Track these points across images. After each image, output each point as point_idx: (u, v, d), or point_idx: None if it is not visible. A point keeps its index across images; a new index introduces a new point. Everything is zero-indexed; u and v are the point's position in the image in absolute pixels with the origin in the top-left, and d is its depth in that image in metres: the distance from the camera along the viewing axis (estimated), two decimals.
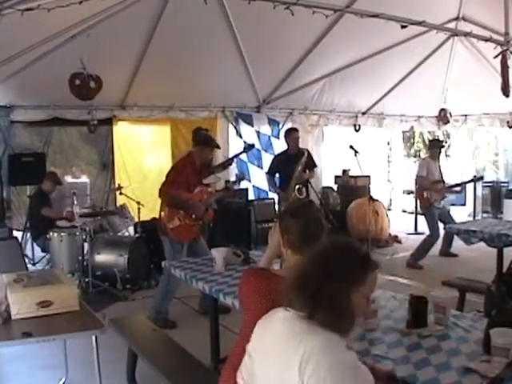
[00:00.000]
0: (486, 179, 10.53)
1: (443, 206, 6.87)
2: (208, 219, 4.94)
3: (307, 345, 1.41)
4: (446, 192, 6.84)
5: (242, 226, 7.37)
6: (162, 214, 4.68)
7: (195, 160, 4.68)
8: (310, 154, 6.37)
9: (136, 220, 6.77)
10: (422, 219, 9.66)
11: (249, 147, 6.19)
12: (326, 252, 1.61)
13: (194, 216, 4.63)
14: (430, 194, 6.64)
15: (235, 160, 8.16)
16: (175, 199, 4.55)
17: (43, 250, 6.19)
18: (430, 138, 7.12)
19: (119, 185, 6.96)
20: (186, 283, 3.36)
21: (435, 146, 6.98)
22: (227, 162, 5.79)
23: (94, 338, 2.57)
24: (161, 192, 4.55)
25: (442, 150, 7.07)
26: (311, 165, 6.39)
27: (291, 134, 6.48)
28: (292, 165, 6.10)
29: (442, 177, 6.89)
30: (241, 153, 6.17)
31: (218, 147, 5.06)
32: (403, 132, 11.58)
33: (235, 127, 8.32)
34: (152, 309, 4.66)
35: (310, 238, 2.00)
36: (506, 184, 10.06)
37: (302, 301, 1.51)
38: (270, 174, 6.61)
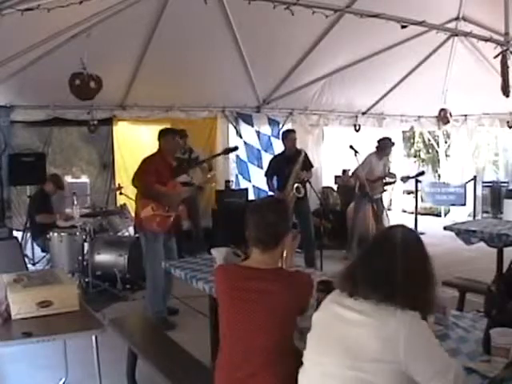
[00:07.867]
0: (486, 179, 10.58)
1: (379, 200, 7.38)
2: (179, 212, 4.90)
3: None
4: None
5: (242, 225, 7.34)
6: (137, 205, 4.68)
7: (164, 154, 4.73)
8: (306, 155, 6.38)
9: None
10: (422, 219, 9.73)
11: (228, 150, 5.82)
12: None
13: (167, 208, 4.60)
14: (370, 187, 6.87)
15: (235, 160, 8.18)
16: (149, 188, 4.53)
17: (43, 250, 6.19)
18: (381, 137, 7.29)
19: (119, 185, 6.96)
20: (186, 283, 3.36)
21: (387, 146, 7.16)
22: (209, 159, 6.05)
23: (93, 337, 2.58)
24: (134, 180, 4.56)
25: (392, 149, 7.34)
26: (308, 165, 6.40)
27: (288, 135, 6.49)
28: (289, 166, 6.10)
29: (386, 174, 7.21)
30: (218, 154, 6.32)
31: (178, 133, 5.16)
32: (403, 132, 11.57)
33: (235, 127, 8.32)
34: (150, 310, 4.65)
35: (262, 235, 2.13)
36: (505, 184, 10.06)
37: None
38: (268, 176, 6.59)
